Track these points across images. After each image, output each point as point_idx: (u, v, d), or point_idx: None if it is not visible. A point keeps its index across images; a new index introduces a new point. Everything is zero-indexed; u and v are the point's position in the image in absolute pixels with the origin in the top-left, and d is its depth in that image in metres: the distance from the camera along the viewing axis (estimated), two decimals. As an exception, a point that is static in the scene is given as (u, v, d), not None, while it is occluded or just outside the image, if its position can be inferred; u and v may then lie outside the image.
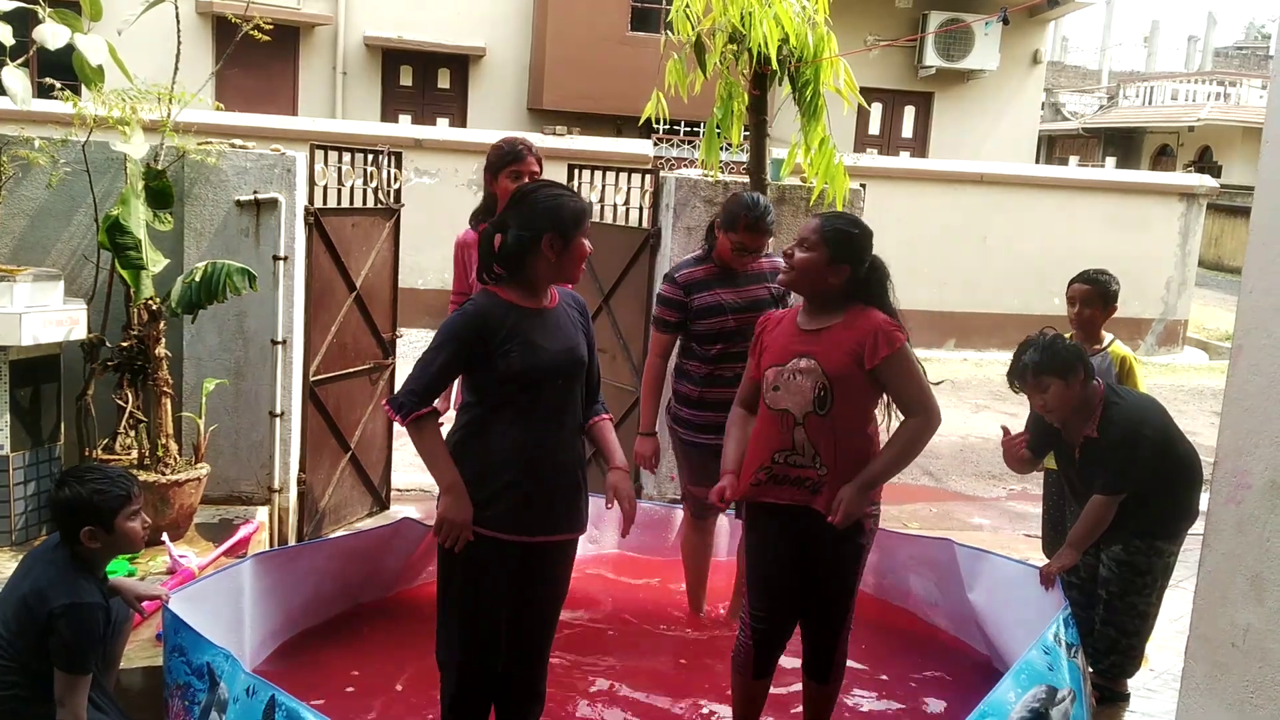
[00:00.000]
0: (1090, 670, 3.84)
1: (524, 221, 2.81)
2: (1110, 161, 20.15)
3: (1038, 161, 23.05)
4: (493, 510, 2.79)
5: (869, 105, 17.61)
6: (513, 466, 2.79)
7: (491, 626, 2.86)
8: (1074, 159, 20.91)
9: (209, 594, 3.42)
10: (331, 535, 4.98)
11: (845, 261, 3.06)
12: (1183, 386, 11.14)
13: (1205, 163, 25.42)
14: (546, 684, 3.05)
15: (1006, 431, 3.95)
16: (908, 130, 18.53)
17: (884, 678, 3.91)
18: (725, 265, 4.02)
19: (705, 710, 3.62)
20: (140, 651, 3.57)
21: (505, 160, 4.09)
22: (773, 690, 3.37)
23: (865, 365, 3.05)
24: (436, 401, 2.86)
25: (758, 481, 3.12)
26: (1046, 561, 3.95)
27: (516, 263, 2.83)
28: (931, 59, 17.58)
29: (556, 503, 2.87)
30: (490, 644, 2.88)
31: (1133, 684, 3.95)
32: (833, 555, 3.15)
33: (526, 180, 3.96)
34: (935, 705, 3.73)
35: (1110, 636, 3.80)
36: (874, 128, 18.31)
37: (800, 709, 3.40)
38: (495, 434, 2.80)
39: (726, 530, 4.68)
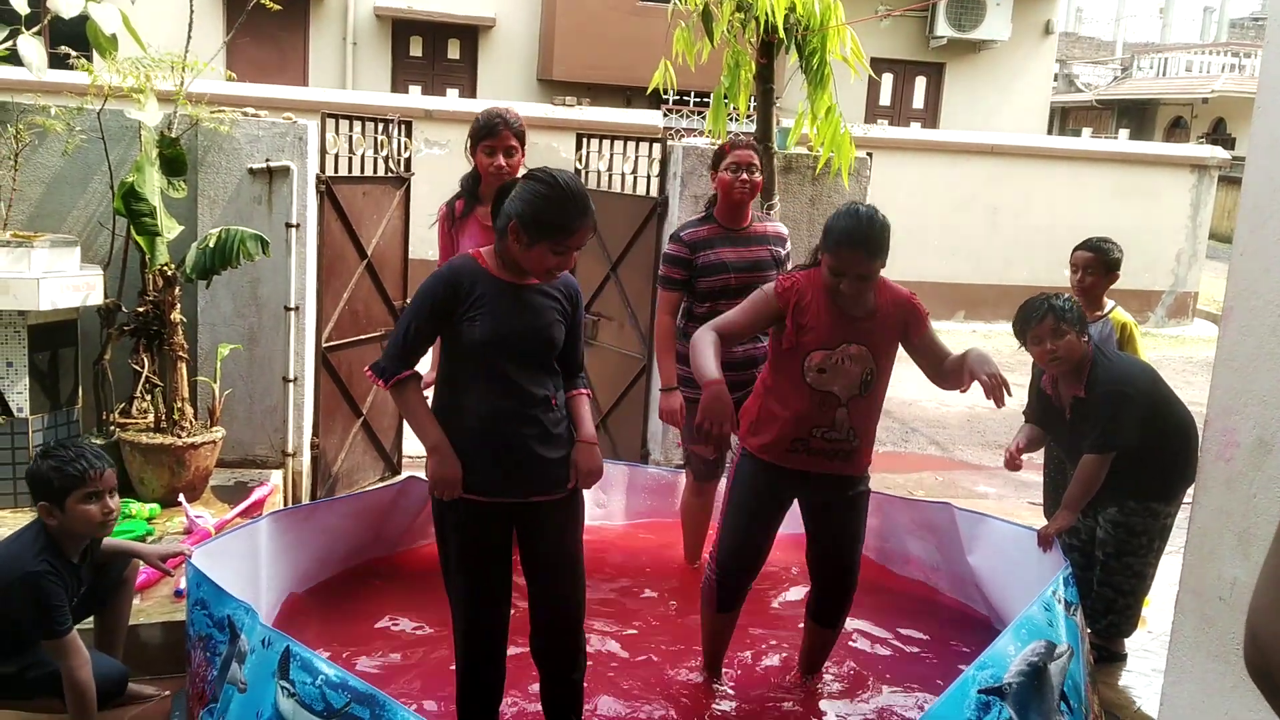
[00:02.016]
0: (1088, 630, 3.92)
1: (512, 198, 2.80)
2: (1123, 133, 20.10)
3: (1051, 133, 22.94)
4: (468, 475, 2.82)
5: (880, 76, 17.55)
6: (477, 434, 2.80)
7: (492, 586, 2.90)
8: (1087, 131, 20.86)
9: (228, 550, 3.51)
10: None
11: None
12: (1192, 358, 11.15)
13: (1219, 135, 25.25)
14: (584, 640, 3.07)
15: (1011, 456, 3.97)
16: (919, 101, 18.46)
17: (886, 638, 3.98)
18: (728, 223, 4.17)
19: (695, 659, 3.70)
20: (158, 607, 3.68)
21: (480, 134, 3.99)
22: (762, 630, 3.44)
23: (912, 339, 3.22)
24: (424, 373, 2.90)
25: (794, 449, 3.19)
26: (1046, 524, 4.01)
27: (499, 233, 2.83)
28: (943, 29, 17.50)
29: (524, 468, 2.84)
30: (495, 603, 2.92)
31: (1130, 645, 4.02)
32: (854, 510, 3.33)
33: (502, 156, 3.98)
34: (936, 663, 3.80)
35: (1107, 597, 3.87)
36: (885, 98, 18.25)
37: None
38: (464, 402, 2.83)
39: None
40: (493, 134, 3.97)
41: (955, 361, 3.16)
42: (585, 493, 3.05)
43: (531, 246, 2.74)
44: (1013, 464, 3.93)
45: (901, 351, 3.29)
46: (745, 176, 4.08)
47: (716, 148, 4.21)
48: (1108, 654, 3.95)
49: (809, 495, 3.34)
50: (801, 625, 3.62)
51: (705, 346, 3.06)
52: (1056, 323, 3.66)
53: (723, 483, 4.63)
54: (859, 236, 3.00)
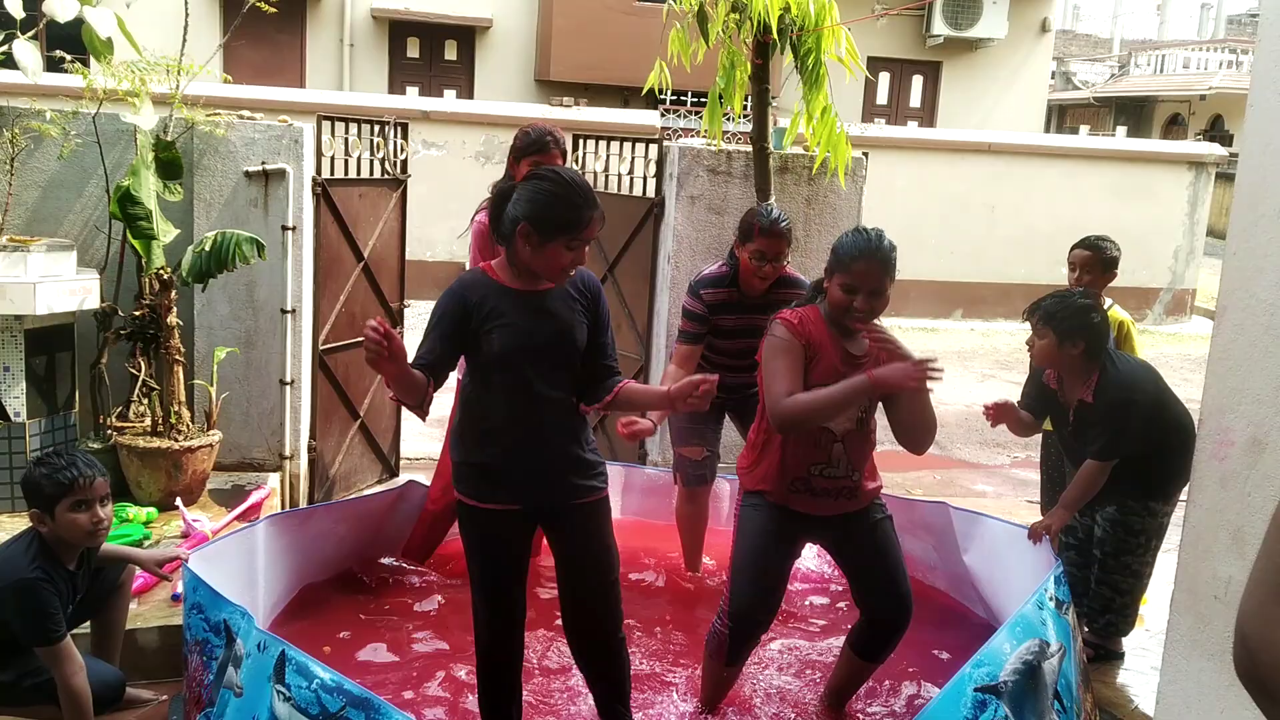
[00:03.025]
0: (1086, 629, 3.92)
1: (515, 202, 2.75)
2: (1121, 131, 20.09)
3: (1048, 131, 22.95)
4: (470, 481, 2.83)
5: (876, 75, 17.55)
6: (490, 442, 2.79)
7: (500, 590, 2.90)
8: (1085, 128, 20.84)
9: (225, 554, 3.51)
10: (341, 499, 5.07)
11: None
12: (1189, 355, 11.15)
13: (1216, 131, 25.28)
14: (624, 646, 3.01)
15: (989, 410, 3.93)
16: (915, 100, 18.47)
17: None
18: (749, 291, 4.01)
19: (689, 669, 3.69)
20: (156, 611, 3.68)
21: (530, 149, 4.01)
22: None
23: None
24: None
25: (795, 490, 3.11)
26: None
27: (506, 240, 2.79)
28: (939, 28, 17.50)
29: (548, 474, 2.83)
30: (504, 606, 2.90)
31: (1127, 643, 4.01)
32: (882, 534, 3.21)
33: None
34: (932, 662, 3.80)
35: (1105, 596, 3.87)
36: (882, 97, 18.25)
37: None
38: (487, 414, 2.81)
39: (728, 495, 4.75)
40: (544, 150, 4.00)
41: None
42: None
43: (544, 246, 2.70)
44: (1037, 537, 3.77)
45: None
46: (768, 269, 3.89)
47: (745, 220, 3.95)
48: (1105, 652, 3.95)
49: (824, 535, 3.24)
50: (812, 626, 3.60)
51: (810, 394, 2.98)
52: (1041, 324, 3.68)
53: (723, 485, 4.65)
54: (872, 250, 2.99)
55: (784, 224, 3.88)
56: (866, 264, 2.98)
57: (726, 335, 4.08)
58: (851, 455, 3.11)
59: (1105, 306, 4.35)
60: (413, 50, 17.11)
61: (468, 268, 4.03)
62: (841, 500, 3.13)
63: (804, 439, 3.07)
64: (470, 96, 16.62)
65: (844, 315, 3.04)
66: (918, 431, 3.08)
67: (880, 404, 3.15)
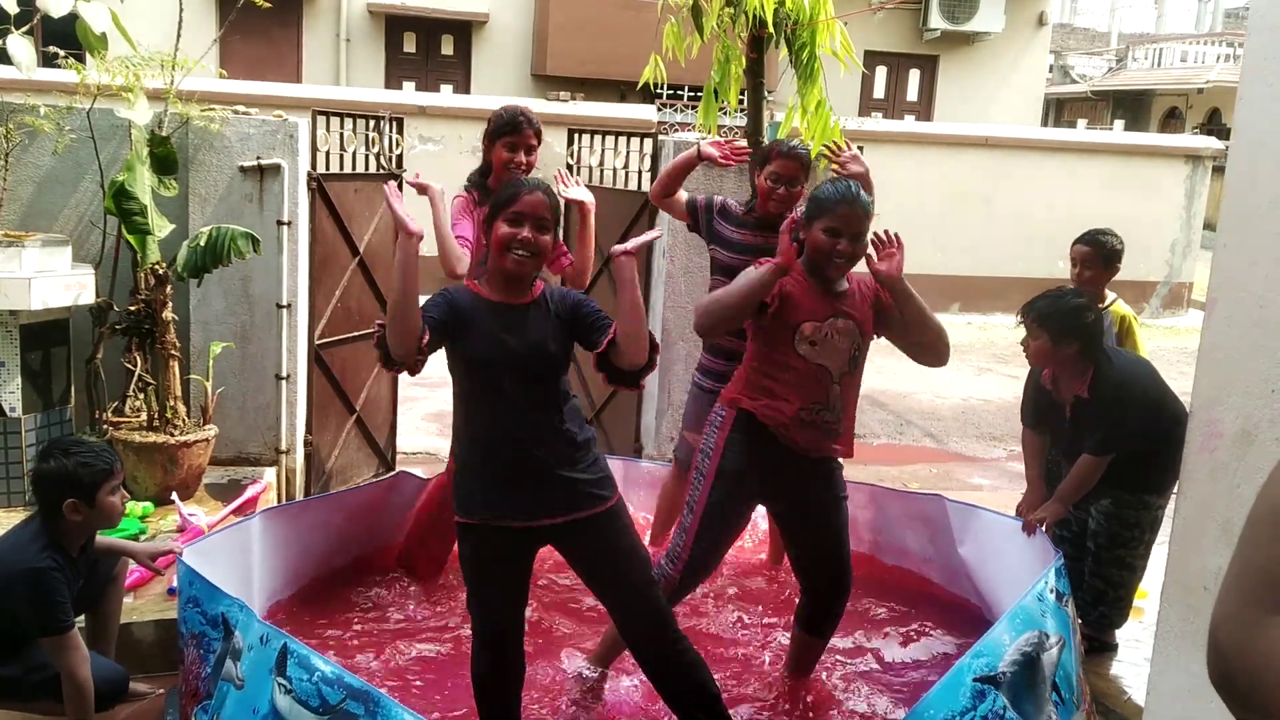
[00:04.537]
0: (1079, 621, 3.94)
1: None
2: (1119, 124, 20.08)
3: (1046, 124, 22.93)
4: (463, 495, 2.85)
5: (873, 69, 17.53)
6: (488, 456, 2.83)
7: (495, 606, 2.89)
8: (1082, 122, 20.83)
9: (220, 548, 3.51)
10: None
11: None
12: (1186, 349, 11.15)
13: (1214, 125, 25.24)
14: (685, 650, 2.98)
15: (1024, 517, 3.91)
16: (913, 94, 18.44)
17: (880, 628, 4.00)
18: (763, 217, 4.03)
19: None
20: (152, 605, 3.70)
21: (501, 130, 3.98)
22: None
23: (888, 313, 3.24)
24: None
25: (800, 421, 3.14)
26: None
27: (484, 261, 2.97)
28: (936, 21, 17.47)
29: (541, 489, 2.83)
30: (500, 623, 2.89)
31: (1121, 635, 4.03)
32: (838, 509, 3.31)
33: (523, 153, 3.98)
34: (928, 654, 3.82)
35: (1098, 589, 3.88)
36: (879, 91, 18.23)
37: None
38: (473, 425, 2.87)
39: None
40: (515, 130, 3.95)
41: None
42: None
43: (492, 230, 2.86)
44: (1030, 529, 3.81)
45: (893, 348, 3.31)
46: (783, 191, 3.94)
47: (765, 146, 4.08)
48: (1099, 644, 3.96)
49: (791, 490, 3.28)
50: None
51: (728, 287, 3.13)
52: (1035, 325, 3.69)
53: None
54: (853, 197, 3.11)
55: (802, 151, 4.00)
56: (849, 208, 3.08)
57: (729, 247, 4.06)
58: (844, 398, 3.20)
59: (1108, 301, 4.33)
60: (409, 45, 17.07)
61: (450, 228, 3.99)
62: (828, 441, 3.22)
63: (807, 378, 3.14)
64: (467, 91, 16.59)
65: (827, 260, 3.12)
66: (928, 344, 3.22)
67: (889, 336, 3.28)
